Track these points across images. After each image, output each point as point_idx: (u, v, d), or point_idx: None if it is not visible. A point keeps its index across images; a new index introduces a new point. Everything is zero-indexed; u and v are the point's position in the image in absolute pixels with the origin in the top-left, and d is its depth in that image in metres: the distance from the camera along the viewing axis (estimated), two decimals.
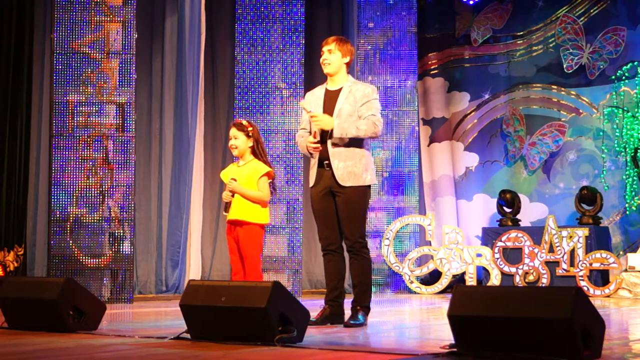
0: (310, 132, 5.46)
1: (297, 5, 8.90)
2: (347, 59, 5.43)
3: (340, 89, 5.40)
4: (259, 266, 5.60)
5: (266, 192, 5.54)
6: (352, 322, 5.29)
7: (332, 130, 5.29)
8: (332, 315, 5.41)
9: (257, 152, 5.62)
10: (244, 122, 5.66)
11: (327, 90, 5.46)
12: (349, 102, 5.34)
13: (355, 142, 5.33)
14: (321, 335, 4.68)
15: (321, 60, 5.44)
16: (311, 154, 5.40)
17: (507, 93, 10.33)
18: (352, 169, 5.31)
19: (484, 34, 10.48)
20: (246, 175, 5.56)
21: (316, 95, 5.50)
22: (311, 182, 5.47)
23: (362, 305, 5.38)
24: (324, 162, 5.36)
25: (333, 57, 5.40)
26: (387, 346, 4.43)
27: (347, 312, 5.46)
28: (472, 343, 3.72)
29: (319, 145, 5.32)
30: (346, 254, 5.48)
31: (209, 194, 9.80)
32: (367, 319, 5.39)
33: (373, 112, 5.32)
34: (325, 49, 5.42)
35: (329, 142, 5.34)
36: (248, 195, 5.51)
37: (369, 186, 5.43)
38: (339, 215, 5.38)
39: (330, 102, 5.38)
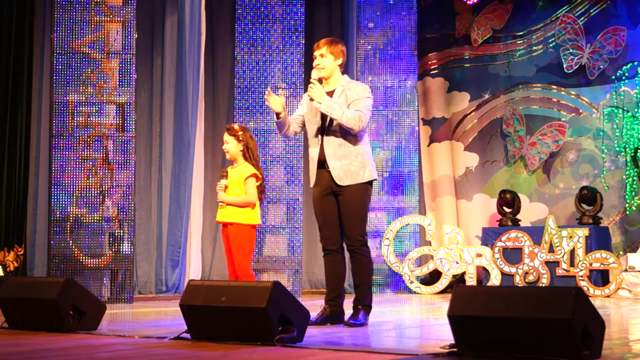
0: (303, 127, 5.57)
1: (297, 5, 8.90)
2: (340, 61, 5.45)
3: (334, 91, 5.42)
4: (249, 266, 5.66)
5: (251, 193, 5.64)
6: (352, 321, 5.30)
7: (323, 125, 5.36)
8: (332, 316, 5.42)
9: (247, 155, 5.73)
10: (235, 127, 5.79)
11: None
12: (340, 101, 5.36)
13: (350, 140, 5.35)
14: (321, 335, 4.68)
15: (314, 64, 5.45)
16: (278, 118, 5.43)
17: (507, 93, 10.33)
18: (348, 167, 5.33)
19: (484, 34, 10.47)
20: (236, 178, 5.69)
21: None
22: (312, 182, 5.50)
23: (364, 304, 5.39)
24: (323, 163, 5.37)
25: (326, 60, 5.42)
26: (387, 346, 4.44)
27: (348, 312, 5.47)
28: (472, 343, 3.72)
29: (311, 87, 5.33)
30: (347, 253, 5.49)
31: (209, 194, 9.80)
32: (368, 318, 5.40)
33: (360, 108, 5.33)
34: (317, 53, 5.44)
35: (325, 140, 5.35)
36: (236, 203, 5.63)
37: (370, 183, 5.43)
38: (341, 214, 5.39)
39: None
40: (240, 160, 5.72)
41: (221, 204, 5.65)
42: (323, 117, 5.40)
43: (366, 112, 5.35)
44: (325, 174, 5.39)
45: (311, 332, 4.53)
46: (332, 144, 5.35)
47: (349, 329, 5.18)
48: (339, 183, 5.33)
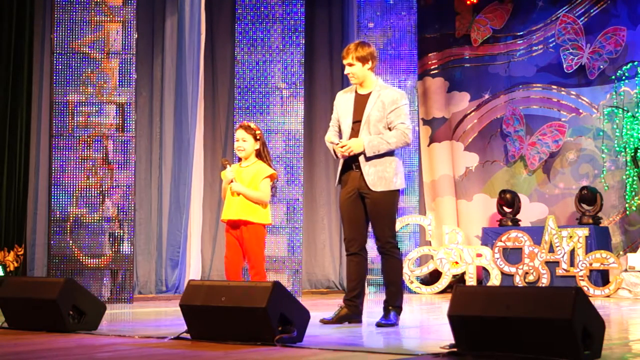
0: (340, 132, 5.53)
1: (297, 5, 8.89)
2: (370, 65, 5.43)
3: (369, 94, 5.43)
4: (264, 266, 5.65)
5: (266, 192, 5.60)
6: (384, 321, 5.35)
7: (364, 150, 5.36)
8: (349, 315, 5.49)
9: (263, 154, 5.70)
10: (252, 125, 5.72)
11: (357, 94, 5.50)
12: (377, 109, 5.37)
13: None
14: (321, 336, 4.68)
15: (345, 73, 5.50)
16: (337, 155, 5.45)
17: (507, 93, 10.33)
18: (382, 174, 5.36)
19: (484, 34, 10.47)
20: (250, 175, 5.61)
21: (346, 99, 5.52)
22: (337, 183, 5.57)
23: (394, 305, 5.44)
24: (353, 164, 5.40)
25: (355, 69, 5.42)
26: (387, 346, 4.44)
27: (370, 311, 5.47)
28: (472, 343, 3.72)
29: (346, 149, 5.34)
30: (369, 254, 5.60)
31: (209, 194, 9.80)
32: (399, 318, 5.44)
33: (402, 120, 5.36)
34: (344, 62, 5.46)
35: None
36: (249, 195, 5.55)
37: (399, 191, 5.48)
38: (370, 217, 5.43)
39: (359, 106, 5.43)
40: (252, 159, 5.69)
41: (234, 184, 5.55)
42: (356, 121, 5.40)
43: (408, 122, 5.38)
44: (355, 176, 5.41)
45: (311, 332, 4.53)
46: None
47: (348, 329, 5.19)
48: (373, 189, 5.36)
